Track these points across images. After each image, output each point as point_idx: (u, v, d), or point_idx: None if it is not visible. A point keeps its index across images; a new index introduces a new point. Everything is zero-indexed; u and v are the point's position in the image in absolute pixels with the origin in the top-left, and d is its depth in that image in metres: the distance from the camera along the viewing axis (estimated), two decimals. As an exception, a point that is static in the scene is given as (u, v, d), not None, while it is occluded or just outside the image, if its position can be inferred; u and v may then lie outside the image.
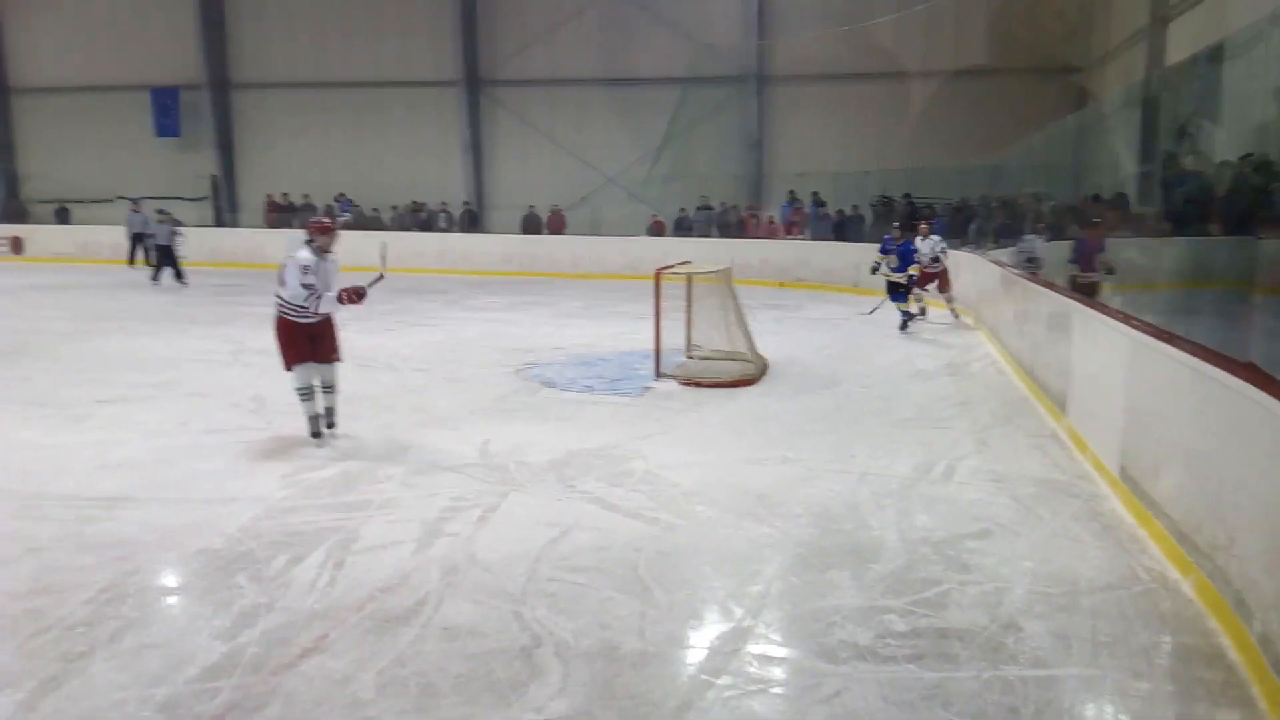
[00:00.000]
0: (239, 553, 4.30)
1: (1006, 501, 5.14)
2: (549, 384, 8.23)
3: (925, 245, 12.10)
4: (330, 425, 6.26)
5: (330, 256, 6.02)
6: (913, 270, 11.59)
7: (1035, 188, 16.13)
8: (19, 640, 3.45)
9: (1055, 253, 10.92)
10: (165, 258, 16.35)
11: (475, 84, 21.69)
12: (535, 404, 7.53)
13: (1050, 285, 8.01)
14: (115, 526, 4.62)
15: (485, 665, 3.31)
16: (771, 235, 19.16)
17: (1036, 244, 11.81)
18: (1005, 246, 13.25)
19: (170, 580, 4.10)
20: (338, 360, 6.28)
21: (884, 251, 11.82)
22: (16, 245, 21.26)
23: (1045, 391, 7.28)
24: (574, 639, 3.50)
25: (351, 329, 11.23)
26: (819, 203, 19.06)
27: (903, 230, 12.10)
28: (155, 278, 16.32)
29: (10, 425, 6.63)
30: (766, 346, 9.33)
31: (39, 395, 7.53)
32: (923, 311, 12.21)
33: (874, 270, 11.99)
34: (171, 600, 3.91)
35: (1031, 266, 11.79)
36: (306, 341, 6.06)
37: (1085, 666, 3.36)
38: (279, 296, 5.98)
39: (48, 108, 23.65)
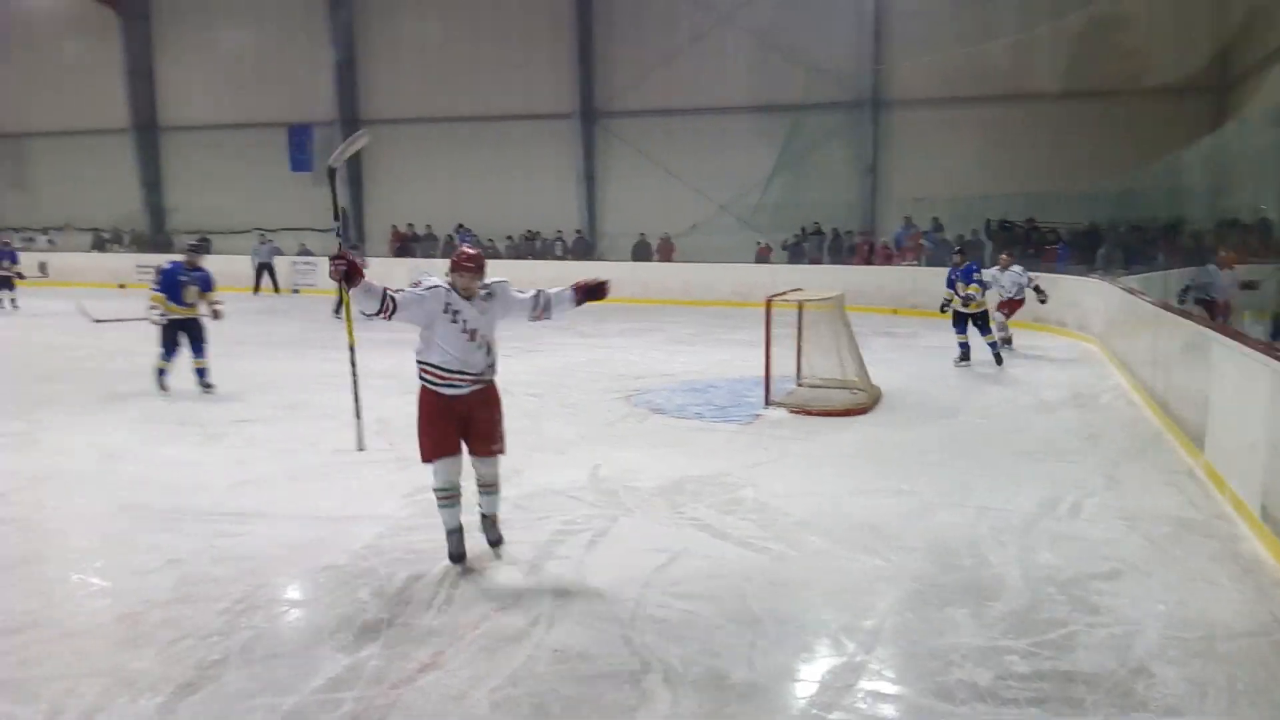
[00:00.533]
0: (362, 569, 4.47)
1: (1138, 541, 4.89)
2: (659, 410, 8.27)
3: (1008, 277, 11.49)
4: (494, 541, 4.71)
5: (481, 296, 4.39)
6: (971, 290, 10.54)
7: (1168, 212, 15.39)
8: (159, 647, 3.67)
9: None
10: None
11: (590, 116, 22.16)
12: (645, 430, 7.58)
13: (1185, 313, 7.61)
14: (248, 541, 4.87)
15: (595, 688, 3.34)
16: (886, 261, 18.84)
17: (1218, 277, 10.95)
18: (1136, 273, 12.66)
19: (298, 594, 4.29)
20: (499, 453, 4.61)
21: (950, 285, 10.83)
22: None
23: (1180, 426, 6.90)
24: (683, 666, 3.49)
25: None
26: (937, 227, 18.65)
27: (963, 254, 11.26)
28: (337, 310, 15.82)
29: (156, 442, 7.08)
30: (880, 375, 9.14)
31: (181, 414, 8.01)
32: (1007, 341, 11.56)
33: (944, 308, 10.87)
34: (299, 613, 4.09)
35: (1209, 298, 10.96)
36: (455, 423, 4.43)
37: (1222, 716, 3.16)
38: (418, 358, 4.44)
39: (193, 144, 25.29)
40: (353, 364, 5.01)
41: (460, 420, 4.45)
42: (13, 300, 16.36)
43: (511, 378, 10.05)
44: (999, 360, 10.67)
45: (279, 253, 21.33)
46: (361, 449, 5.08)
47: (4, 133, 26.54)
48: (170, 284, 8.74)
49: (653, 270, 20.04)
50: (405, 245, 22.79)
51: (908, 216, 19.15)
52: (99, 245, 25.77)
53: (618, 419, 7.96)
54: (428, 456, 4.46)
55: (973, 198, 18.21)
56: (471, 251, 4.43)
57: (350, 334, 4.96)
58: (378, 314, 4.21)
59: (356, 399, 5.06)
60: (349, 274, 4.14)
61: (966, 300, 10.59)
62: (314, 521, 5.19)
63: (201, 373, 8.93)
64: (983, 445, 7.08)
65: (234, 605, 4.04)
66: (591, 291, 4.55)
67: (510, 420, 7.79)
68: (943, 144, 19.32)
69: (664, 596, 4.14)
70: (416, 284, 4.40)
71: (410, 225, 23.13)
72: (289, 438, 7.20)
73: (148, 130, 25.60)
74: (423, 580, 4.31)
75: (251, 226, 23.47)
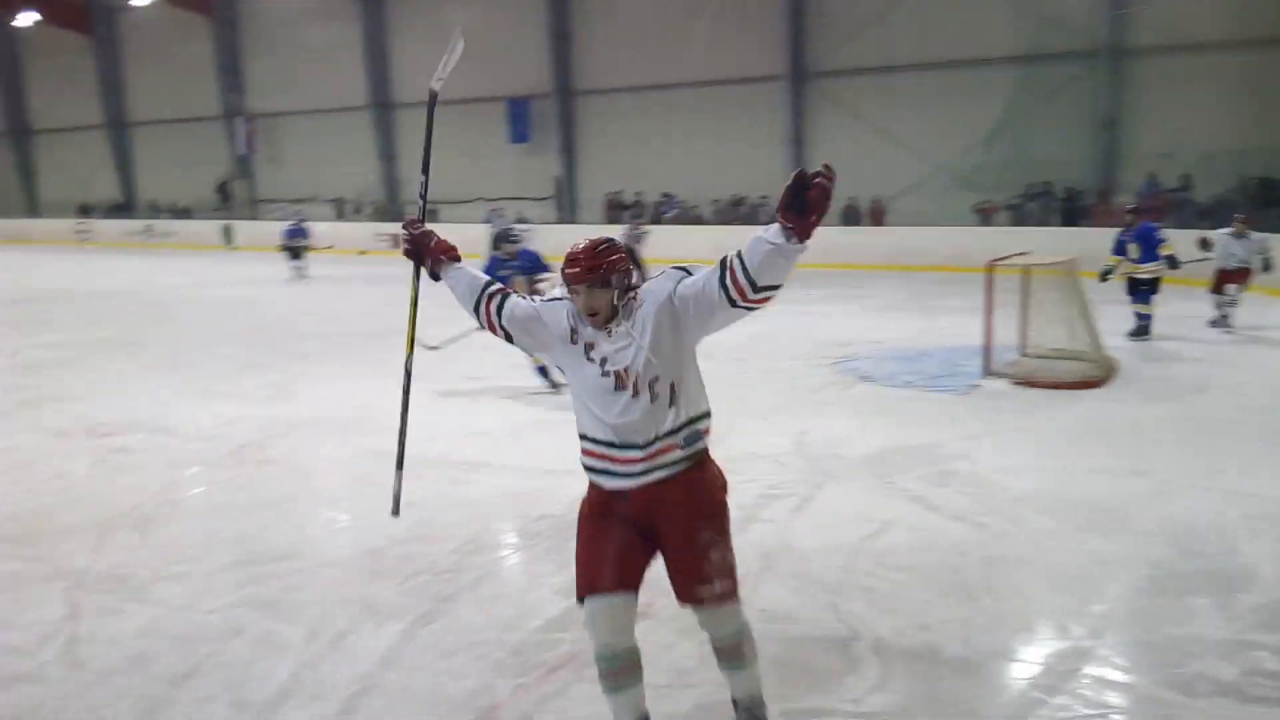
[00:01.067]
0: (575, 519, 4.66)
1: None
2: (867, 378, 8.07)
3: (1244, 245, 9.98)
4: None
5: (621, 315, 2.56)
6: (1166, 250, 9.34)
7: None
8: (400, 579, 4.02)
9: None
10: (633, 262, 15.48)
11: (801, 77, 21.71)
12: (852, 397, 7.42)
13: None
14: (475, 488, 5.22)
15: (801, 651, 3.35)
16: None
17: None
18: None
19: (518, 539, 4.56)
20: (724, 599, 2.66)
21: (1117, 251, 9.57)
22: (396, 242, 24.62)
23: None
24: (893, 637, 3.43)
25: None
26: (1186, 185, 16.93)
27: (1138, 213, 9.81)
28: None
29: (396, 395, 7.68)
30: (1116, 346, 8.48)
31: (418, 371, 8.61)
32: (1225, 318, 9.97)
33: (1104, 277, 9.48)
34: (520, 557, 4.35)
35: None
36: (623, 538, 2.63)
37: None
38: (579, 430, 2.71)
39: (422, 119, 26.94)
40: (405, 390, 3.42)
41: (636, 533, 2.61)
42: (300, 269, 17.96)
43: (714, 341, 10.02)
44: (1141, 334, 9.49)
45: (509, 223, 22.50)
46: (396, 514, 3.34)
47: (263, 113, 29.34)
48: None
49: (862, 234, 19.48)
50: (617, 213, 23.37)
51: (1151, 174, 17.51)
52: (341, 215, 28.09)
53: (823, 385, 7.84)
54: (582, 590, 2.63)
55: (1228, 152, 16.39)
56: (579, 249, 2.55)
57: (409, 340, 3.37)
58: (480, 327, 2.88)
59: (402, 439, 3.40)
60: (418, 252, 2.91)
61: (1170, 263, 9.40)
62: (532, 473, 5.49)
63: (542, 370, 7.54)
64: (1234, 424, 6.42)
65: (463, 546, 4.36)
66: (796, 196, 2.17)
67: (714, 385, 7.63)
68: (1194, 94, 17.42)
69: (873, 566, 4.08)
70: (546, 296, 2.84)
71: (620, 192, 23.66)
72: (511, 395, 7.61)
73: (383, 107, 27.52)
74: (633, 535, 4.46)
75: (474, 196, 24.81)
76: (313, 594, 3.92)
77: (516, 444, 6.12)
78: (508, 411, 7.06)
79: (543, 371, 7.49)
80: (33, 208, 35.30)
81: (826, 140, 21.75)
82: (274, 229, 22.46)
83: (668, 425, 2.53)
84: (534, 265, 7.66)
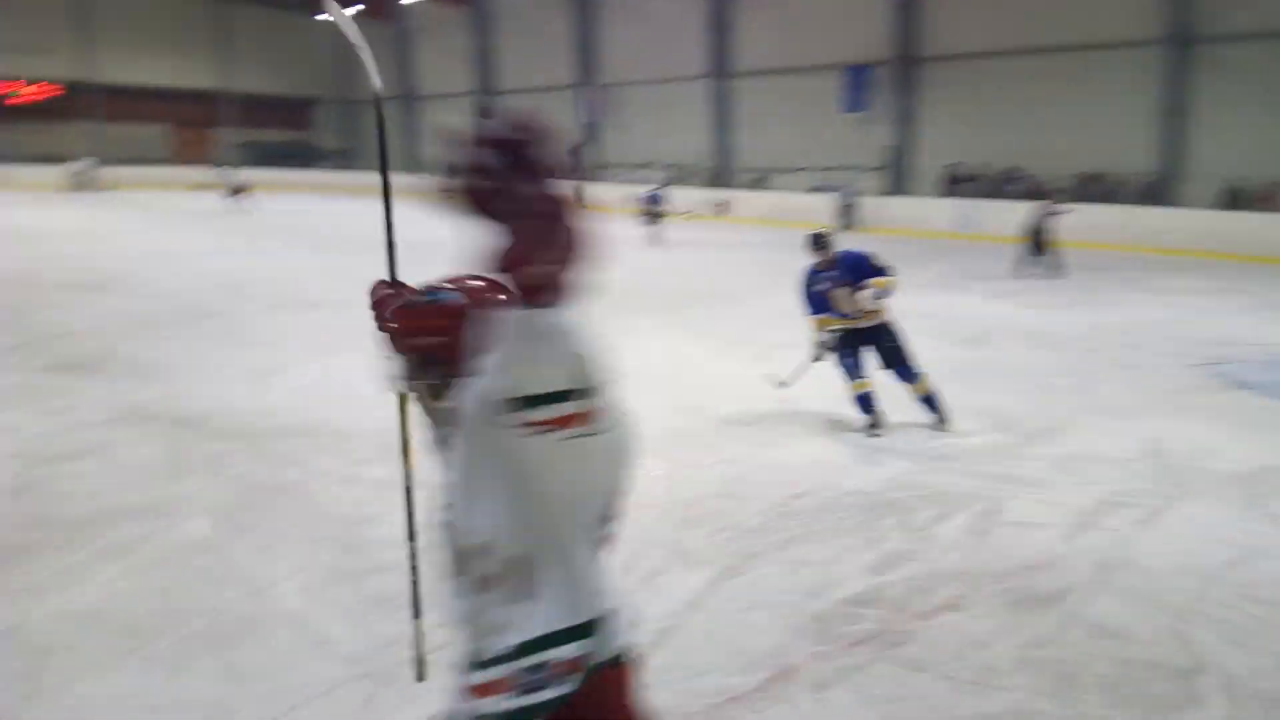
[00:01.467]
0: (889, 499, 4.55)
1: None
2: (1244, 385, 7.04)
3: None
4: None
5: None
6: None
7: None
8: (708, 531, 4.15)
9: None
10: (1036, 242, 13.81)
11: (1182, 40, 19.14)
12: (1223, 405, 6.51)
13: None
14: (786, 454, 5.24)
15: (1134, 673, 3.03)
16: None
17: None
18: None
19: (827, 510, 4.51)
20: None
21: None
22: (725, 208, 25.13)
23: None
24: (1249, 676, 3.00)
25: (1007, 303, 10.93)
26: None
27: None
28: (1022, 271, 13.72)
29: (713, 356, 7.92)
30: None
31: (735, 334, 8.81)
32: None
33: None
34: (827, 527, 4.30)
35: None
36: None
37: None
38: None
39: (756, 88, 27.17)
40: (409, 528, 2.42)
41: None
42: (656, 234, 18.74)
43: (1063, 330, 9.33)
44: None
45: (857, 194, 22.20)
46: (420, 679, 2.39)
47: (611, 82, 31.08)
48: (816, 300, 5.83)
49: (1247, 221, 16.93)
50: (954, 187, 22.21)
51: None
52: (674, 181, 29.18)
53: (1188, 389, 6.95)
54: None
55: None
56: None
57: (404, 446, 2.39)
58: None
59: (415, 580, 2.39)
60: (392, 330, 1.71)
61: None
62: (846, 446, 5.40)
63: (928, 401, 5.79)
64: None
65: (770, 508, 4.40)
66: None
67: (1058, 375, 7.06)
68: None
69: (1230, 596, 3.57)
70: None
71: (957, 164, 22.39)
72: (831, 365, 7.51)
73: (721, 76, 28.06)
74: (945, 523, 4.26)
75: (799, 166, 24.68)
76: (629, 532, 4.12)
77: (829, 414, 6.02)
78: (825, 381, 6.96)
79: (861, 400, 5.75)
80: (414, 166, 40.24)
81: (1208, 112, 19.08)
82: (618, 193, 23.81)
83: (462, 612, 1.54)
84: (859, 268, 5.62)
